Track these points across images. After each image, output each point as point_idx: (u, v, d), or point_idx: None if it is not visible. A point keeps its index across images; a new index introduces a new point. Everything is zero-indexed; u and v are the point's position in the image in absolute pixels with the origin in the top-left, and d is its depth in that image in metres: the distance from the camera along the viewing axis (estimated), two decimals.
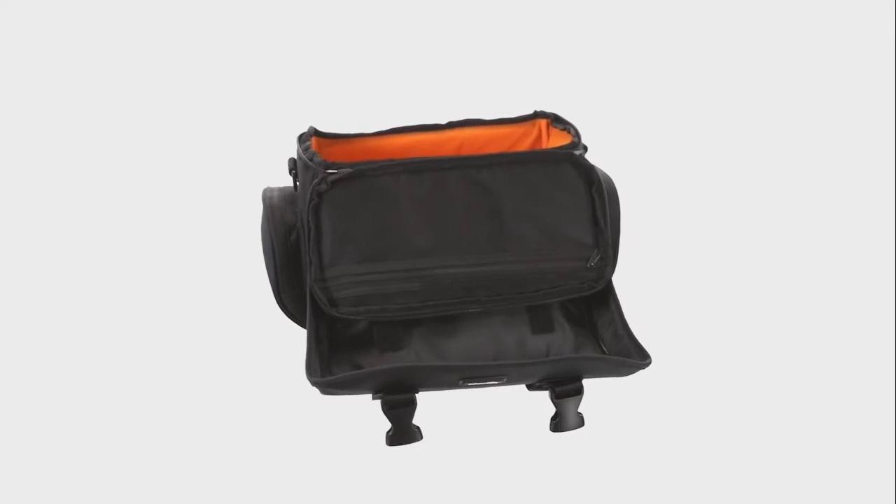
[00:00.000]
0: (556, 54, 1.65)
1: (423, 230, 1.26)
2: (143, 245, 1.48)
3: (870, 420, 1.28)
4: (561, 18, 1.66)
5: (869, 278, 1.49)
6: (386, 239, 1.26)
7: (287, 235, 1.30)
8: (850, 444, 1.24)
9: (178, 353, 1.34)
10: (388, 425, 1.16)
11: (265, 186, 1.38)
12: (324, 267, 1.25)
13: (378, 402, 1.18)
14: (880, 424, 1.26)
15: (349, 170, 1.28)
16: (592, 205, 1.31)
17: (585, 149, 1.41)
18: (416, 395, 1.20)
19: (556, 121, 1.44)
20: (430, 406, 1.24)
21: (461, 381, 1.18)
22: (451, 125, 1.46)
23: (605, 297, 1.31)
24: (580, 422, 1.21)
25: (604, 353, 1.29)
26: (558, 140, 1.41)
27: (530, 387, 1.25)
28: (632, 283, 1.41)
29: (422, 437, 1.19)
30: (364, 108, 1.56)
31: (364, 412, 1.21)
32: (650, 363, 1.21)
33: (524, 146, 1.48)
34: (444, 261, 1.26)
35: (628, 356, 1.24)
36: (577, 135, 1.36)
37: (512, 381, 1.20)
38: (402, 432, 1.17)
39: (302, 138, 1.37)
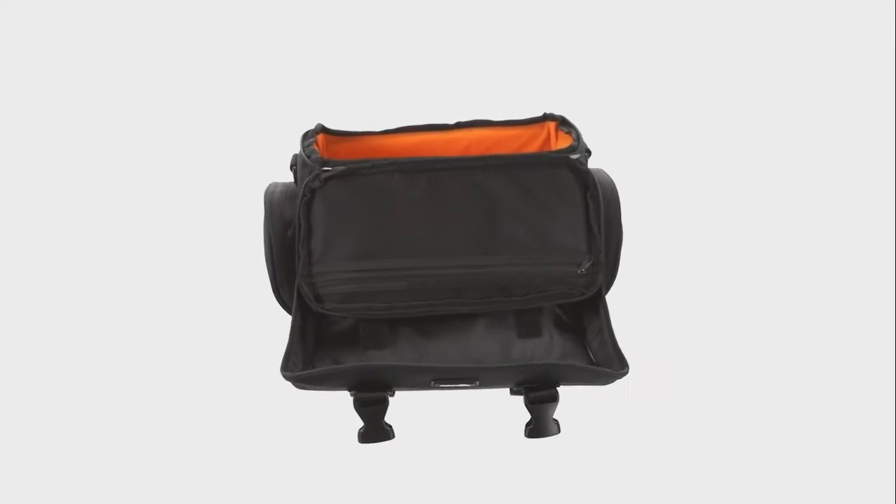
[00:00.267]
0: (567, 57, 1.64)
1: (413, 230, 1.27)
2: (152, 238, 1.51)
3: (867, 431, 1.25)
4: (572, 21, 1.64)
5: (868, 298, 1.45)
6: (374, 237, 1.27)
7: (284, 231, 1.32)
8: (847, 450, 1.22)
9: (178, 343, 1.37)
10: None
11: (271, 182, 1.40)
12: (312, 262, 1.26)
13: None
14: (879, 433, 1.23)
15: (343, 167, 1.29)
16: (587, 210, 1.29)
17: (588, 153, 1.39)
18: (395, 395, 1.22)
19: (562, 124, 1.43)
20: (410, 406, 1.25)
21: (432, 382, 1.18)
22: (459, 125, 1.46)
23: (596, 304, 1.30)
24: (556, 429, 1.20)
25: (591, 360, 1.28)
26: (565, 143, 1.40)
27: (512, 391, 1.25)
28: (633, 287, 1.40)
29: (394, 436, 1.19)
30: (375, 107, 1.57)
31: (346, 408, 1.22)
32: (626, 373, 1.20)
33: (532, 148, 1.47)
34: (431, 261, 1.26)
35: (610, 365, 1.23)
36: (578, 138, 1.35)
37: (485, 384, 1.20)
38: (374, 430, 1.18)
39: (307, 135, 1.39)
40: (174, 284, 1.45)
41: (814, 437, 1.24)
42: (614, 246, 1.37)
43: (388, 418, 1.20)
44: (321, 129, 1.43)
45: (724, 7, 1.63)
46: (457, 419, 1.24)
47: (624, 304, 1.41)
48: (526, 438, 1.19)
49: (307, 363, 1.24)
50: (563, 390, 1.22)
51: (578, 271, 1.28)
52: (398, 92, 1.62)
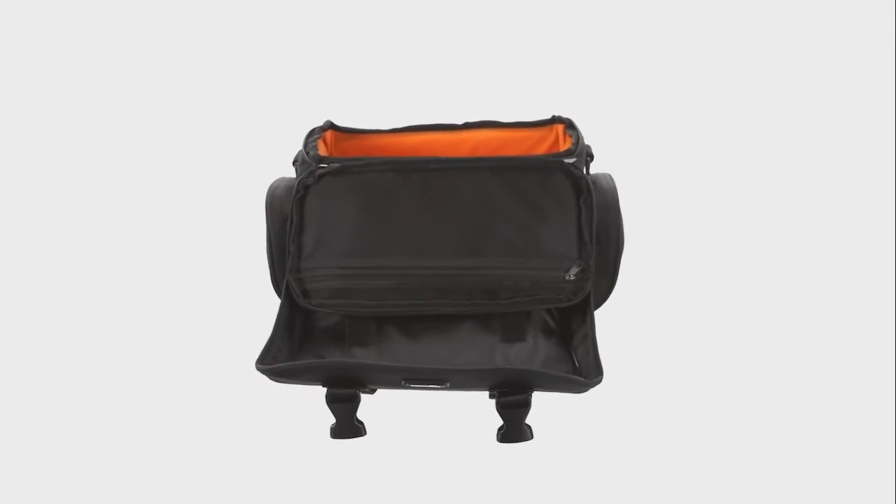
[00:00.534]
0: (581, 60, 1.62)
1: (401, 229, 1.28)
2: (160, 232, 1.55)
3: (866, 444, 1.22)
4: (586, 24, 1.63)
5: (869, 312, 1.41)
6: (363, 235, 1.28)
7: (283, 224, 1.34)
8: (847, 460, 1.19)
9: (174, 336, 1.40)
10: None
11: (278, 177, 1.42)
12: (302, 258, 1.29)
13: None
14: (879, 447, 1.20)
15: (337, 164, 1.31)
16: (579, 215, 1.28)
17: (591, 157, 1.38)
18: (377, 393, 1.23)
19: (569, 127, 1.42)
20: (389, 404, 1.25)
21: (403, 382, 1.19)
22: (467, 126, 1.47)
23: (584, 310, 1.28)
24: (527, 435, 1.19)
25: (576, 366, 1.26)
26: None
27: (491, 395, 1.25)
28: (635, 295, 1.39)
29: (365, 433, 1.21)
30: (387, 105, 1.58)
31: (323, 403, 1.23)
32: (598, 382, 1.18)
33: (541, 150, 1.46)
34: (418, 261, 1.27)
35: (587, 373, 1.22)
36: (576, 142, 1.34)
37: (457, 387, 1.19)
38: (344, 426, 1.19)
39: (313, 132, 1.41)
40: (180, 277, 1.49)
41: (812, 446, 1.21)
42: (613, 253, 1.35)
43: (367, 417, 1.21)
44: (330, 126, 1.45)
45: (736, 14, 1.59)
46: (433, 420, 1.24)
47: (624, 311, 1.40)
48: (498, 443, 1.19)
49: (292, 357, 1.26)
50: (544, 396, 1.22)
51: (566, 277, 1.27)
52: (410, 90, 1.63)
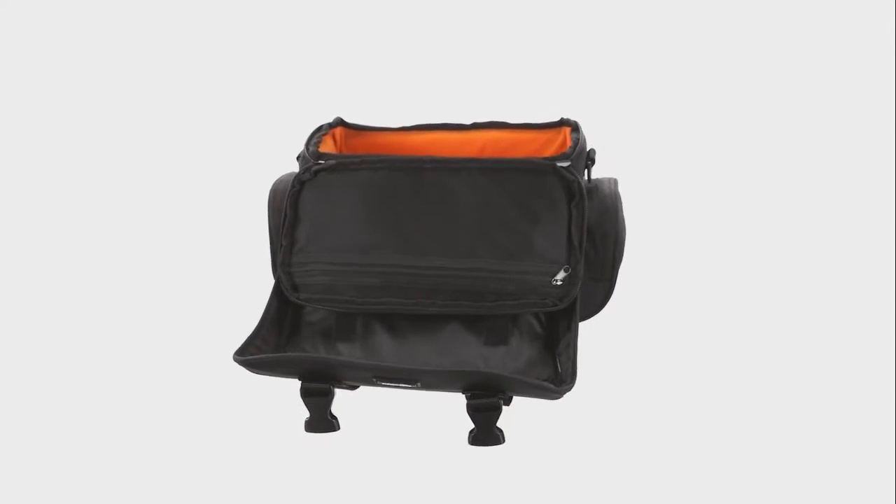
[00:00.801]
0: (594, 63, 1.60)
1: (390, 227, 1.28)
2: (170, 225, 1.59)
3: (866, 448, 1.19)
4: (599, 28, 1.61)
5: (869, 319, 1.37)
6: (353, 232, 1.29)
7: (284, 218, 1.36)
8: (846, 466, 1.16)
9: (179, 326, 1.44)
10: None
11: (286, 172, 1.45)
12: (293, 252, 1.30)
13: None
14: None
15: (333, 161, 1.32)
16: (570, 220, 1.27)
17: (592, 161, 1.36)
18: (355, 389, 1.24)
19: (574, 130, 1.40)
20: (368, 401, 1.26)
21: (374, 379, 1.19)
22: (475, 126, 1.46)
23: (570, 316, 1.26)
24: (498, 439, 1.18)
25: (558, 372, 1.25)
26: None
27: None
28: (632, 301, 1.37)
29: (338, 429, 1.22)
30: (400, 103, 1.59)
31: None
32: (566, 390, 1.16)
33: (549, 152, 1.45)
34: (406, 260, 1.27)
35: (563, 380, 1.20)
36: (575, 145, 1.32)
37: (427, 387, 1.19)
38: (317, 420, 1.21)
39: (320, 129, 1.43)
40: (186, 271, 1.53)
41: (805, 466, 1.17)
42: (611, 259, 1.34)
43: (345, 413, 1.23)
44: (339, 123, 1.47)
45: (746, 20, 1.56)
46: (408, 419, 1.24)
47: (621, 319, 1.39)
48: (469, 445, 1.19)
49: (279, 350, 1.28)
50: (525, 402, 1.21)
51: (553, 281, 1.25)
52: (423, 89, 1.64)
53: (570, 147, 1.32)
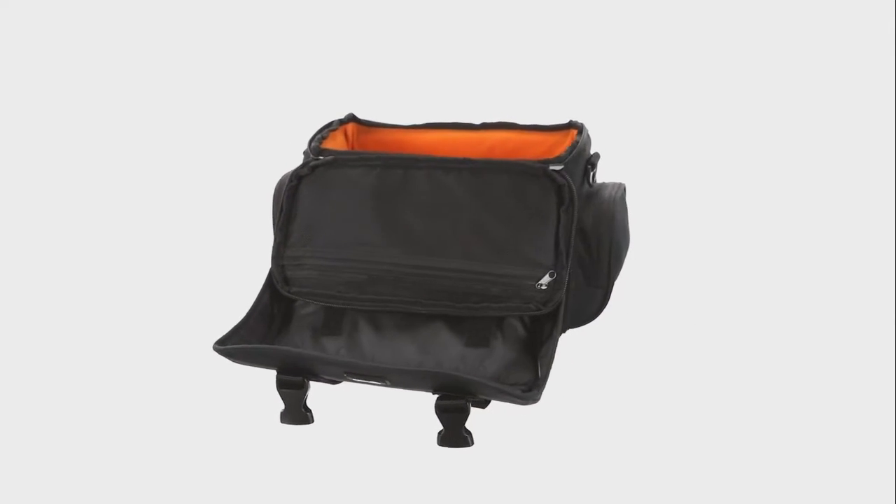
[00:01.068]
0: (609, 66, 1.58)
1: (379, 225, 1.28)
2: (184, 223, 1.63)
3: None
4: (614, 31, 1.58)
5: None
6: (344, 228, 1.30)
7: None
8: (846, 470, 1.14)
9: (183, 314, 1.47)
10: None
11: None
12: (287, 246, 1.32)
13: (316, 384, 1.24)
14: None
15: (330, 157, 1.34)
16: (558, 224, 1.25)
17: (592, 166, 1.35)
18: (336, 384, 1.25)
19: (579, 133, 1.38)
20: (348, 397, 1.27)
21: (345, 375, 1.20)
22: (485, 126, 1.46)
23: (554, 322, 1.25)
24: (466, 442, 1.17)
25: (537, 377, 1.23)
26: None
27: None
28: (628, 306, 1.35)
29: (312, 421, 1.23)
30: (414, 101, 1.59)
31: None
32: (531, 399, 1.15)
33: (556, 155, 1.43)
34: (392, 257, 1.27)
35: (533, 387, 1.19)
36: (571, 149, 1.30)
37: (396, 385, 1.19)
38: (291, 412, 1.22)
39: (329, 125, 1.44)
40: (194, 261, 1.56)
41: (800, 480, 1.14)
42: (606, 265, 1.32)
43: (324, 407, 1.24)
44: (352, 119, 1.48)
45: (758, 28, 1.52)
46: (383, 417, 1.24)
47: (618, 326, 1.37)
48: (438, 446, 1.18)
49: (267, 341, 1.30)
50: (506, 407, 1.20)
51: (537, 285, 1.24)
52: (437, 87, 1.64)
53: (566, 150, 1.30)
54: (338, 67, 1.70)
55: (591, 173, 1.34)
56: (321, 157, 1.34)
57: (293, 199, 1.33)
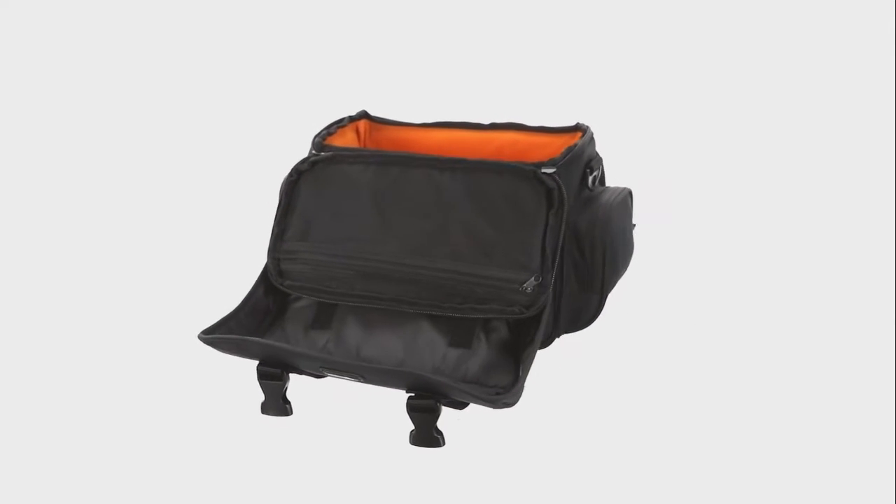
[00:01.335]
0: (623, 70, 1.54)
1: (372, 222, 1.29)
2: (197, 211, 1.66)
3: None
4: (629, 35, 1.55)
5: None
6: (337, 223, 1.30)
7: None
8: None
9: (184, 308, 1.49)
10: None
11: None
12: (284, 240, 1.33)
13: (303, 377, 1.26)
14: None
15: (329, 153, 1.35)
16: (546, 227, 1.23)
17: (590, 170, 1.33)
18: (322, 378, 1.26)
19: (583, 136, 1.36)
20: (331, 392, 1.28)
21: (321, 368, 1.21)
22: (493, 126, 1.45)
23: (537, 326, 1.23)
24: (437, 442, 1.16)
25: (517, 379, 1.22)
26: None
27: None
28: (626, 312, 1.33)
29: (290, 413, 1.24)
30: (431, 98, 1.59)
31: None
32: (505, 403, 1.13)
33: None
34: (381, 255, 1.27)
35: (504, 391, 1.18)
36: (567, 153, 1.29)
37: (372, 382, 1.19)
38: (270, 403, 1.23)
39: (341, 121, 1.46)
40: (201, 255, 1.59)
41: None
42: (599, 271, 1.30)
43: (306, 401, 1.25)
44: (364, 115, 1.49)
45: (768, 33, 1.47)
46: (362, 413, 1.24)
47: (612, 334, 1.34)
48: (410, 445, 1.18)
49: (258, 333, 1.31)
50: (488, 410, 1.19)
51: (521, 288, 1.23)
52: (454, 85, 1.63)
53: (561, 154, 1.28)
54: (356, 65, 1.71)
55: (591, 177, 1.32)
56: (322, 153, 1.35)
57: (292, 194, 1.35)
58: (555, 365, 1.30)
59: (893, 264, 1.45)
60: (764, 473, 1.12)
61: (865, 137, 1.57)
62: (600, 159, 1.35)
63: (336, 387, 1.27)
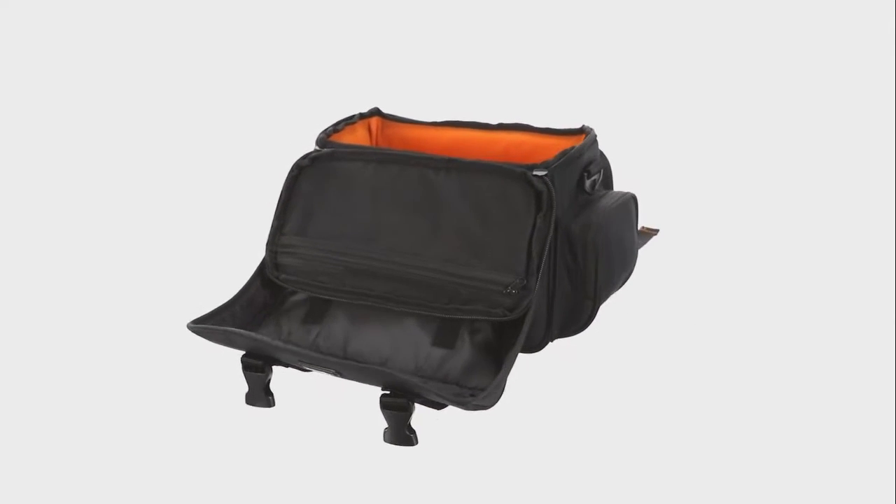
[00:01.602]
0: (635, 73, 1.51)
1: (367, 219, 1.29)
2: (206, 205, 1.68)
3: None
4: (637, 39, 1.52)
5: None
6: (333, 219, 1.31)
7: None
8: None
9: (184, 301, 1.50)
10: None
11: None
12: (282, 233, 1.35)
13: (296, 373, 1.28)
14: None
15: (330, 150, 1.36)
16: (533, 230, 1.22)
17: (588, 174, 1.31)
18: (308, 371, 1.27)
19: (585, 138, 1.35)
20: (315, 386, 1.29)
21: (298, 361, 1.22)
22: (501, 126, 1.45)
23: (520, 329, 1.22)
24: (410, 441, 1.16)
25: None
26: None
27: None
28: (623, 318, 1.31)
29: (273, 405, 1.26)
30: (444, 97, 1.59)
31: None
32: (475, 404, 1.12)
33: None
34: (372, 253, 1.28)
35: (476, 394, 1.17)
36: (561, 156, 1.27)
37: (350, 378, 1.20)
38: (253, 394, 1.25)
39: (352, 118, 1.47)
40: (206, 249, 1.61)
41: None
42: (592, 276, 1.28)
43: (291, 394, 1.27)
44: (376, 113, 1.50)
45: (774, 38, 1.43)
46: (344, 409, 1.25)
47: (611, 339, 1.33)
48: (384, 442, 1.18)
49: (251, 325, 1.33)
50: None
51: (505, 291, 1.22)
52: (470, 84, 1.63)
53: (555, 156, 1.27)
54: (371, 62, 1.72)
55: (589, 181, 1.31)
56: (322, 150, 1.37)
57: (292, 189, 1.36)
58: (544, 369, 1.28)
59: (894, 270, 1.41)
60: (752, 485, 1.10)
61: (872, 148, 1.54)
62: (604, 163, 1.33)
63: (320, 381, 1.28)
